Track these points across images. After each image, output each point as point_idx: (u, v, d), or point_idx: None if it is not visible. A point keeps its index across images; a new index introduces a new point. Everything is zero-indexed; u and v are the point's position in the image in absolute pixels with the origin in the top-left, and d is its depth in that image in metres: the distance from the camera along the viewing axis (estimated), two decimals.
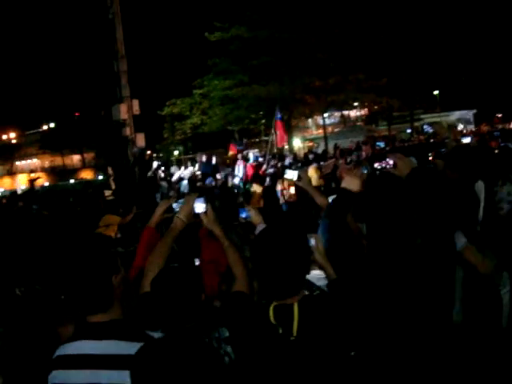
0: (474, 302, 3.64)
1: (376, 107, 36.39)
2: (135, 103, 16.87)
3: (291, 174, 3.44)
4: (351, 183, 3.05)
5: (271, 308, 2.32)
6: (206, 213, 3.14)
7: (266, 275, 2.36)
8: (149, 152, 36.42)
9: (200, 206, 3.16)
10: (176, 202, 3.37)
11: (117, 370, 2.24)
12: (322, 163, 13.44)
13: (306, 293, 2.44)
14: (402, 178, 3.03)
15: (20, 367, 2.65)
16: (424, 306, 2.69)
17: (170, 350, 1.81)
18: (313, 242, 2.75)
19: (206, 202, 3.17)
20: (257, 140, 37.82)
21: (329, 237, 2.93)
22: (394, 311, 2.71)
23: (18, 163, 63.58)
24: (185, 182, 11.32)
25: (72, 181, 38.39)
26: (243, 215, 3.78)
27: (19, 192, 18.07)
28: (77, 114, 49.07)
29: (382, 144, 22.80)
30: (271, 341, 2.29)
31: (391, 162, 3.13)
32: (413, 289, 2.70)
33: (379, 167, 3.41)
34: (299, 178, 3.91)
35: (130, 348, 2.26)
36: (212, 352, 2.25)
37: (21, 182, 53.72)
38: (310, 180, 4.05)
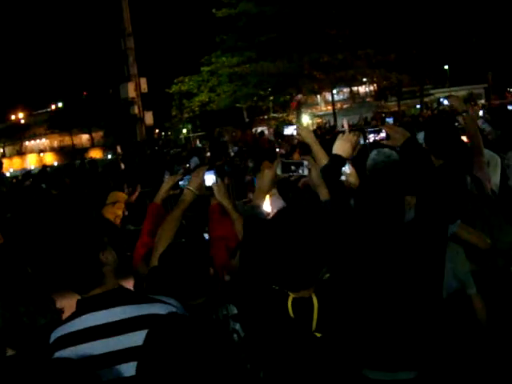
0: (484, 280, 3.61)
1: (385, 83, 36.04)
2: (143, 81, 16.81)
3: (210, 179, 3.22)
4: (342, 148, 2.98)
5: (289, 301, 2.18)
6: (216, 185, 3.13)
7: (281, 264, 2.16)
8: (157, 130, 36.42)
9: (210, 178, 3.15)
10: (183, 178, 3.34)
11: (131, 332, 2.24)
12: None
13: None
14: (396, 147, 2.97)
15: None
16: (412, 279, 2.64)
17: (177, 327, 1.77)
18: (306, 162, 2.89)
19: (217, 174, 3.15)
20: (265, 117, 37.63)
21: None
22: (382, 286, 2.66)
23: (27, 143, 63.73)
24: (195, 159, 11.27)
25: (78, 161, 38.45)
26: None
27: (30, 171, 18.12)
28: (85, 93, 48.93)
29: (391, 120, 22.43)
30: (291, 334, 2.19)
31: (383, 134, 3.07)
32: (401, 261, 2.64)
33: (373, 140, 3.33)
34: (297, 133, 3.63)
35: (139, 310, 2.28)
36: (220, 330, 2.23)
37: (30, 162, 54.05)
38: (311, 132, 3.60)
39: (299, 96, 20.71)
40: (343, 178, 3.38)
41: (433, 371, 2.68)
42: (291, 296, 2.18)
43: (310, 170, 2.89)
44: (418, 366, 2.63)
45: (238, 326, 2.53)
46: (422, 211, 2.69)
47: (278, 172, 2.91)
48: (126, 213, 8.19)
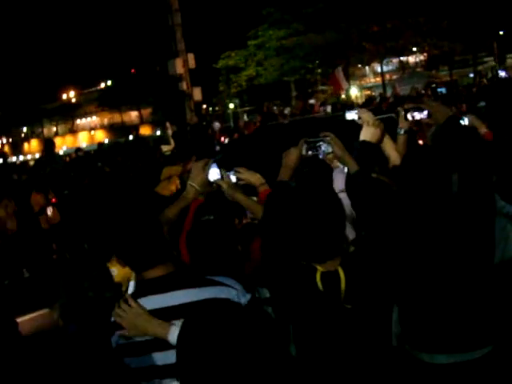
0: None
1: (436, 52, 35.04)
2: (190, 57, 16.81)
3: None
4: (370, 134, 2.98)
5: (318, 275, 2.22)
6: (223, 181, 2.88)
7: (305, 237, 2.21)
8: (204, 106, 36.50)
9: (214, 173, 2.88)
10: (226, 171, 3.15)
11: None
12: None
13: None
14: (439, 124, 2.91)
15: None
16: (461, 254, 2.60)
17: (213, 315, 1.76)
18: (328, 138, 2.83)
19: (220, 167, 2.90)
20: (309, 90, 37.26)
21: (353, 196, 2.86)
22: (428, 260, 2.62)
23: (78, 121, 65.00)
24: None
25: (131, 137, 38.95)
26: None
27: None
28: (133, 71, 49.34)
29: (443, 90, 21.88)
30: (322, 307, 2.24)
31: (425, 112, 2.99)
32: (449, 237, 2.59)
33: (414, 118, 3.21)
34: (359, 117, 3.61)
35: (199, 294, 2.23)
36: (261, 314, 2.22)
37: (82, 140, 55.20)
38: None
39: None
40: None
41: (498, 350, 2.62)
42: (319, 270, 2.23)
43: (332, 145, 2.84)
44: (481, 344, 2.57)
45: (270, 310, 2.49)
46: (466, 186, 2.63)
47: (303, 151, 2.88)
48: (179, 186, 8.20)
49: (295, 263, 2.32)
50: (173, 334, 2.12)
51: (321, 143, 2.88)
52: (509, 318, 2.92)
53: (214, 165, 2.89)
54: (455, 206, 2.62)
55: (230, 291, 2.25)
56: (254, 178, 3.02)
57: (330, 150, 2.86)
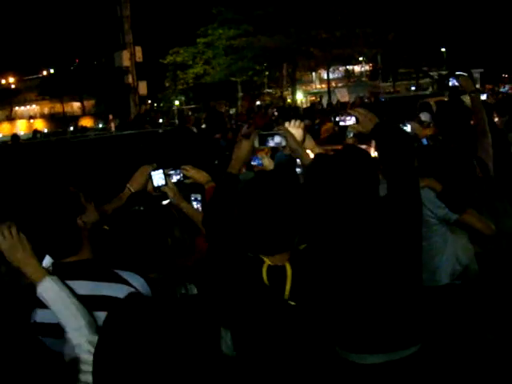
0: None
1: (380, 66, 35.91)
2: (138, 50, 16.56)
3: None
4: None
5: (264, 268, 2.20)
6: (168, 188, 2.89)
7: (256, 227, 2.20)
8: (149, 101, 36.05)
9: (159, 178, 2.90)
10: (173, 169, 3.10)
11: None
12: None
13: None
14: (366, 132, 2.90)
15: None
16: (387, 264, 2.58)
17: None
18: (282, 132, 2.84)
19: (165, 174, 2.91)
20: (255, 92, 37.40)
21: None
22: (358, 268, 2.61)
23: (17, 109, 63.02)
24: None
25: (71, 128, 38.05)
26: (255, 162, 3.66)
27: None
28: (77, 60, 48.25)
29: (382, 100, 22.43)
30: (265, 302, 2.21)
31: (353, 118, 3.00)
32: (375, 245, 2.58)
33: (341, 123, 3.24)
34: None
35: (98, 289, 2.16)
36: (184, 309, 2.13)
37: (20, 128, 53.44)
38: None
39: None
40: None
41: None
42: (266, 263, 2.20)
43: (286, 138, 2.82)
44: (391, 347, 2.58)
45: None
46: (394, 192, 2.61)
47: (256, 144, 2.82)
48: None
49: (242, 254, 2.29)
50: (43, 287, 2.09)
51: (274, 136, 2.85)
52: (435, 317, 2.99)
53: (160, 170, 2.90)
54: (382, 210, 2.62)
55: (131, 291, 2.13)
56: (201, 176, 3.05)
57: (284, 143, 2.84)
